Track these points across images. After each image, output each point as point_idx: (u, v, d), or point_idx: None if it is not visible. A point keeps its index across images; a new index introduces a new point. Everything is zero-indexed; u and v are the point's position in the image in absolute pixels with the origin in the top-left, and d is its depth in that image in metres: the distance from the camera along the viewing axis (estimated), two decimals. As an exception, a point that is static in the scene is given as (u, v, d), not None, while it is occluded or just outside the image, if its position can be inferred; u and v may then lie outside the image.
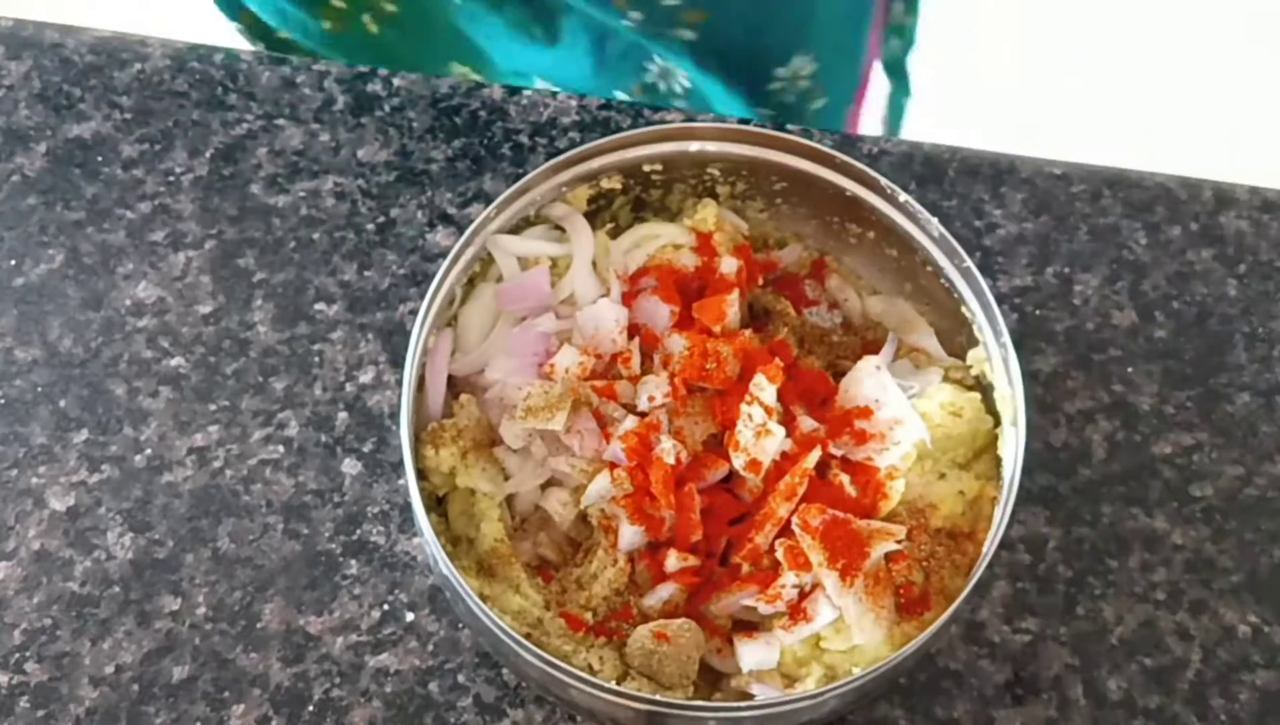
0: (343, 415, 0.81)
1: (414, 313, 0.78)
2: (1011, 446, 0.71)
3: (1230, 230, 0.89)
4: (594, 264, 0.78)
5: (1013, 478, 0.69)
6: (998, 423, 0.74)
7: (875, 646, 0.68)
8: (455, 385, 0.75)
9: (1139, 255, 0.88)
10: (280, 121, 0.91)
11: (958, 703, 0.75)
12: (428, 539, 0.67)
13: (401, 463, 0.75)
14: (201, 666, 0.75)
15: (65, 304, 0.85)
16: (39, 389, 0.82)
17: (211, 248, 0.87)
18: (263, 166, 0.89)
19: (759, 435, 0.71)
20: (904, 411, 0.72)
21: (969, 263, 0.73)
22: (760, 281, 0.79)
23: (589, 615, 0.70)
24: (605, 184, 0.78)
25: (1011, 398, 0.71)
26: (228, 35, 1.07)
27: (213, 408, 0.82)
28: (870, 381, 0.74)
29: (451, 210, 0.88)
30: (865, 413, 0.73)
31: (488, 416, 0.74)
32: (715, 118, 0.94)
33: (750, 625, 0.71)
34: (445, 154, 0.90)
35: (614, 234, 0.80)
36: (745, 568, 0.70)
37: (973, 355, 0.75)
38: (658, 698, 0.65)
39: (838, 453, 0.73)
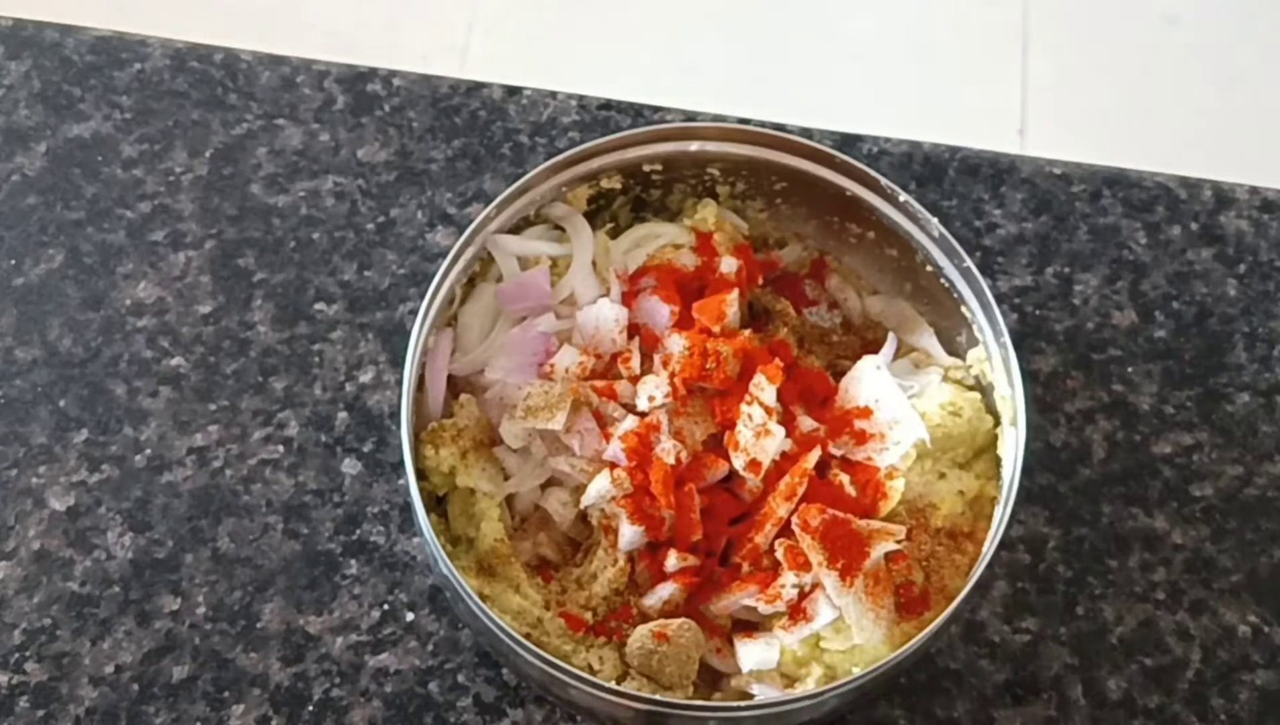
0: (343, 415, 0.81)
1: (414, 313, 0.78)
2: (1011, 446, 0.71)
3: (1230, 230, 0.89)
4: (594, 264, 0.78)
5: (1013, 478, 0.69)
6: (998, 423, 0.74)
7: (875, 646, 0.68)
8: (455, 385, 0.75)
9: (1139, 255, 0.88)
10: (280, 121, 0.91)
11: (958, 703, 0.75)
12: (428, 539, 0.67)
13: (401, 463, 0.75)
14: (201, 666, 0.75)
15: (65, 304, 0.85)
16: (39, 389, 0.82)
17: (211, 248, 0.87)
18: (263, 166, 0.89)
19: (759, 435, 0.71)
20: (904, 411, 0.72)
21: (969, 263, 0.73)
22: (760, 281, 0.79)
23: (589, 615, 0.70)
24: (605, 184, 0.79)
25: (1011, 398, 0.71)
26: (228, 35, 1.07)
27: (213, 408, 0.82)
28: (870, 381, 0.74)
29: (451, 210, 0.88)
30: (865, 413, 0.73)
31: (488, 416, 0.74)
32: (715, 118, 0.94)
33: (750, 625, 0.71)
34: (445, 154, 0.90)
35: (614, 234, 0.80)
36: (745, 568, 0.70)
37: (973, 355, 0.75)
38: (658, 698, 0.65)
39: (838, 453, 0.73)
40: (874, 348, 0.77)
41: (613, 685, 0.65)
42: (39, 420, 0.81)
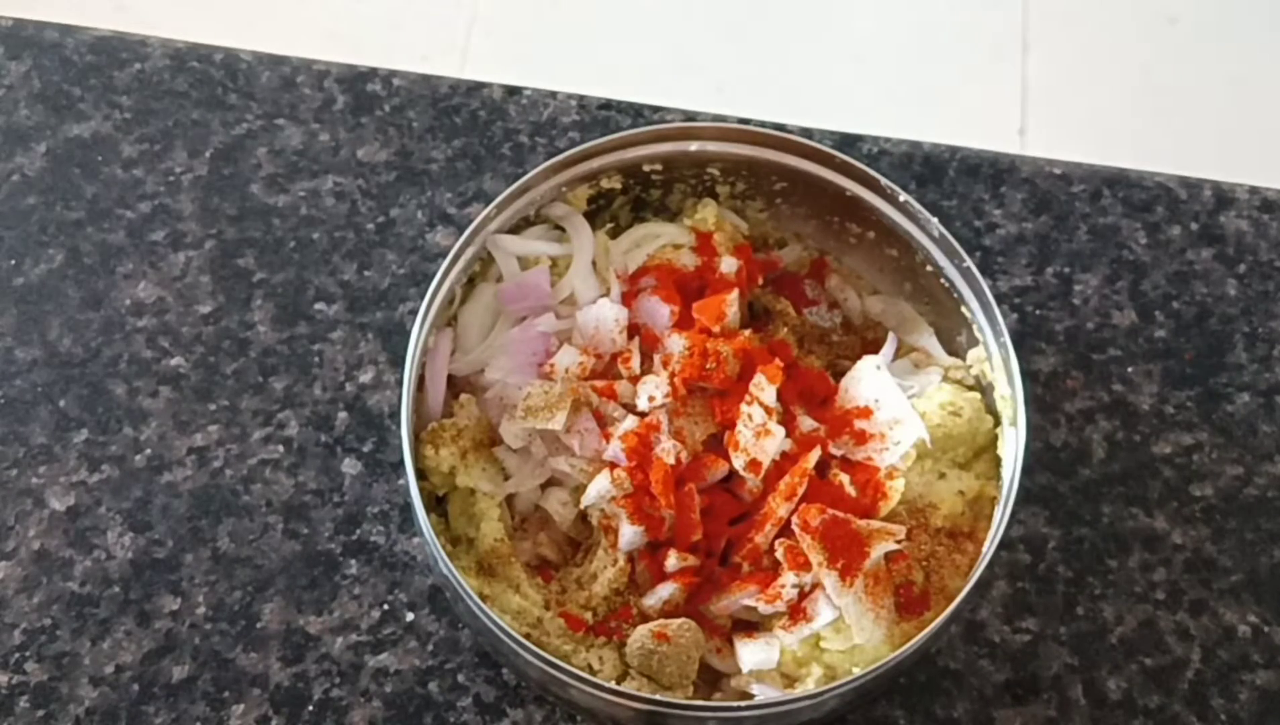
0: (343, 415, 0.81)
1: (414, 313, 0.78)
2: (1011, 446, 0.71)
3: (1230, 230, 0.89)
4: (594, 264, 0.78)
5: (1013, 478, 0.69)
6: (998, 423, 0.74)
7: (875, 646, 0.68)
8: (455, 385, 0.75)
9: (1139, 255, 0.88)
10: (280, 121, 0.91)
11: (958, 703, 0.75)
12: (428, 539, 0.67)
13: (401, 463, 0.75)
14: (201, 666, 0.75)
15: (65, 304, 0.85)
16: (39, 389, 0.82)
17: (211, 248, 0.87)
18: (263, 166, 0.89)
19: (759, 435, 0.71)
20: (904, 411, 0.72)
21: (969, 263, 0.73)
22: (760, 281, 0.79)
23: (589, 615, 0.70)
24: (605, 184, 0.79)
25: (1011, 398, 0.71)
26: (228, 35, 1.07)
27: (213, 408, 0.82)
28: (870, 381, 0.74)
29: (451, 210, 0.88)
30: (865, 413, 0.73)
31: (488, 416, 0.74)
32: (715, 118, 0.94)
33: (750, 625, 0.71)
34: (445, 154, 0.90)
35: (614, 234, 0.80)
36: (745, 568, 0.70)
37: (973, 355, 0.75)
38: (658, 698, 0.65)
39: (838, 453, 0.73)
40: (874, 348, 0.77)
41: (613, 685, 0.65)
42: (39, 420, 0.81)
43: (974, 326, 0.74)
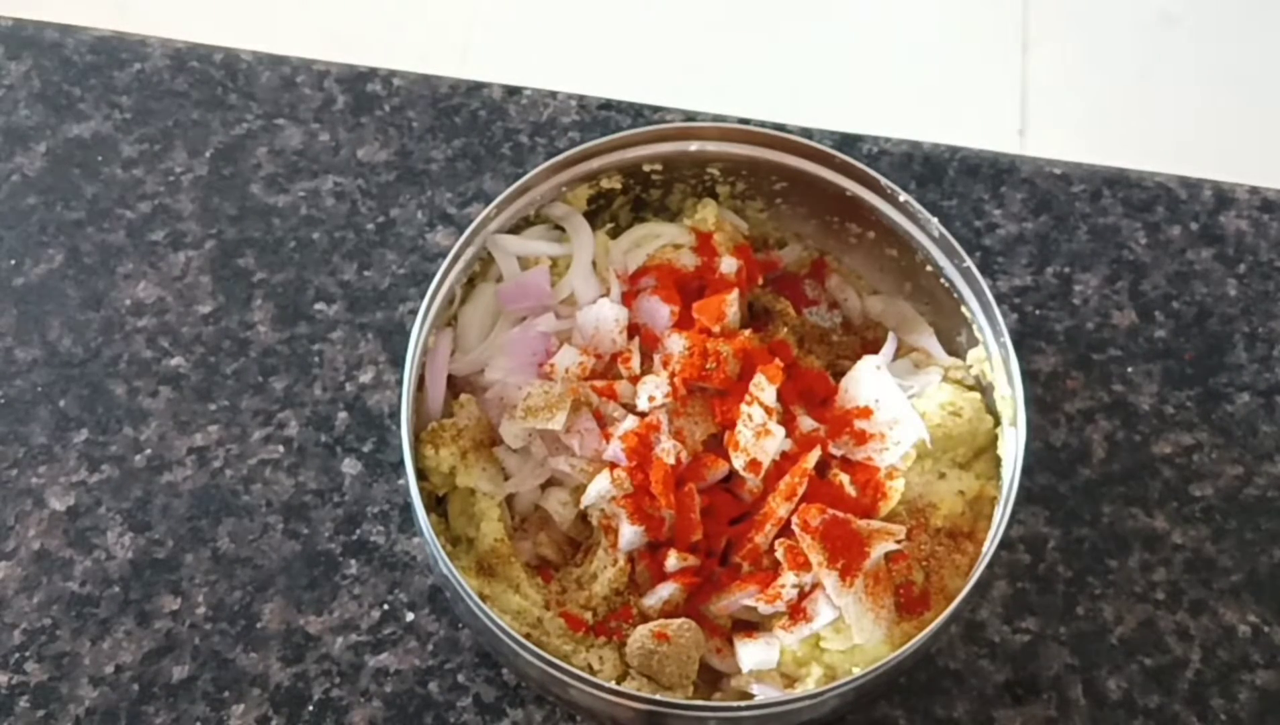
0: (343, 415, 0.81)
1: (414, 313, 0.78)
2: (1011, 446, 0.71)
3: (1230, 230, 0.89)
4: (594, 264, 0.78)
5: (1013, 478, 0.69)
6: (998, 423, 0.74)
7: (875, 646, 0.68)
8: (455, 385, 0.75)
9: (1139, 255, 0.88)
10: (280, 121, 0.91)
11: (958, 703, 0.75)
12: (428, 539, 0.67)
13: (401, 463, 0.75)
14: (201, 666, 0.75)
15: (65, 304, 0.85)
16: (39, 389, 0.82)
17: (211, 248, 0.87)
18: (263, 166, 0.89)
19: (759, 435, 0.71)
20: (903, 411, 0.72)
21: (969, 263, 0.73)
22: (760, 281, 0.79)
23: (589, 615, 0.70)
24: (605, 184, 0.79)
25: (1011, 398, 0.71)
26: (228, 35, 1.07)
27: (213, 408, 0.82)
28: (870, 381, 0.74)
29: (451, 210, 0.88)
30: (865, 413, 0.73)
31: (488, 416, 0.74)
32: (715, 118, 0.94)
33: (750, 625, 0.71)
34: (445, 154, 0.90)
35: (614, 234, 0.80)
36: (745, 568, 0.70)
37: (973, 355, 0.75)
38: (658, 698, 0.65)
39: (838, 453, 0.73)
40: (874, 348, 0.77)
41: (613, 685, 0.65)
42: (39, 420, 0.81)
43: (974, 326, 0.74)
